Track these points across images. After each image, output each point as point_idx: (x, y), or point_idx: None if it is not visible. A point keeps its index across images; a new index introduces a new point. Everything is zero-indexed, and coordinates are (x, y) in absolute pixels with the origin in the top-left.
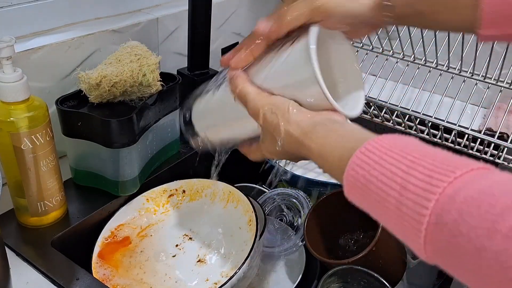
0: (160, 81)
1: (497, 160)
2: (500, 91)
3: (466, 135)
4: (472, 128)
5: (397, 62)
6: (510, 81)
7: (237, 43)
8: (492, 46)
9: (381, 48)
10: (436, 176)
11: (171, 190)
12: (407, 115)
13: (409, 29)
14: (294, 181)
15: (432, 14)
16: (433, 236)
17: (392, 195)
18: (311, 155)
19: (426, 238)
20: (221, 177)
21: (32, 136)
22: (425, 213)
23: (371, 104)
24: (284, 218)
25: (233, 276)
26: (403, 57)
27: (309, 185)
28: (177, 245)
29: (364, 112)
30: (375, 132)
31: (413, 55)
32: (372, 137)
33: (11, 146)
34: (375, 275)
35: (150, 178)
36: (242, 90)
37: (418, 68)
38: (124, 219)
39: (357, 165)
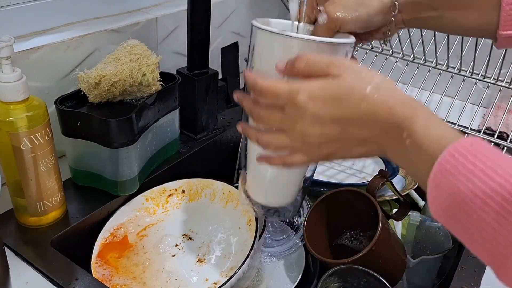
0: (159, 80)
1: None
2: (500, 90)
3: (466, 135)
4: (472, 127)
5: (396, 62)
6: (509, 81)
7: (236, 43)
8: (492, 45)
9: (381, 48)
10: None
11: (170, 190)
12: None
13: (408, 29)
14: None
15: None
16: None
17: (492, 214)
18: (411, 139)
19: None
20: (221, 177)
21: (31, 136)
22: None
23: None
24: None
25: (232, 276)
26: (403, 56)
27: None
28: (176, 245)
29: None
30: None
31: (412, 55)
32: None
33: (10, 146)
34: (375, 274)
35: (150, 178)
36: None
37: (418, 67)
38: (124, 219)
39: (459, 153)
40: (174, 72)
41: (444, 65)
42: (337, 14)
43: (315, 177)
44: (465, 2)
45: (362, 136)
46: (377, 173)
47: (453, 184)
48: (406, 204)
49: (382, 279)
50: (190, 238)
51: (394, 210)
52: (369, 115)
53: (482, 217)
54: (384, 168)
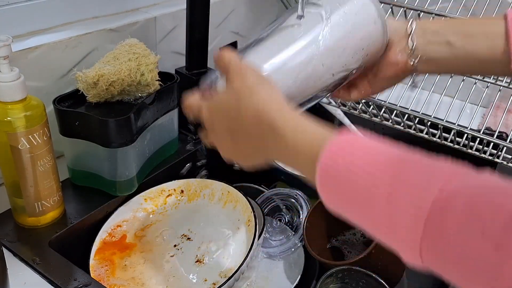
0: (158, 80)
1: (496, 160)
2: (499, 90)
3: (465, 135)
4: (471, 127)
5: None
6: (509, 80)
7: (235, 42)
8: None
9: None
10: (435, 170)
11: (169, 190)
12: (406, 115)
13: None
14: (293, 181)
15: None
16: (433, 231)
17: (382, 188)
18: (280, 139)
19: (425, 234)
20: (220, 177)
21: (29, 136)
22: (425, 206)
23: (370, 103)
24: (283, 218)
25: (231, 276)
26: None
27: (308, 185)
28: (175, 245)
29: (363, 111)
30: (376, 133)
31: None
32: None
33: (8, 146)
34: (374, 275)
35: (148, 178)
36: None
37: None
38: (122, 219)
39: (336, 151)
40: (173, 71)
41: None
42: None
43: None
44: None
45: (251, 144)
46: None
47: (338, 181)
48: None
49: (381, 280)
50: (188, 239)
51: None
52: (246, 127)
53: (371, 196)
54: None
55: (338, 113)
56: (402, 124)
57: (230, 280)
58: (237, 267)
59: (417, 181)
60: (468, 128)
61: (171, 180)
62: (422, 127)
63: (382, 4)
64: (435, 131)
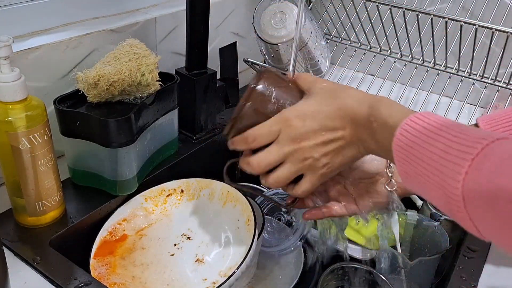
0: (158, 80)
1: None
2: (497, 90)
3: None
4: None
5: (394, 62)
6: (507, 81)
7: (235, 43)
8: (490, 45)
9: (379, 48)
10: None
11: (169, 190)
12: None
13: (406, 29)
14: None
15: None
16: (471, 180)
17: (439, 147)
18: (377, 121)
19: (465, 181)
20: (219, 177)
21: (30, 136)
22: (468, 157)
23: None
24: (282, 218)
25: (231, 275)
26: (401, 56)
27: None
28: (175, 245)
29: None
30: None
31: (410, 55)
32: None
33: (9, 146)
34: (374, 272)
35: (149, 178)
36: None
37: (416, 67)
38: (122, 219)
39: (414, 122)
40: (173, 72)
41: (442, 65)
42: None
43: None
44: None
45: (347, 138)
46: None
47: (411, 143)
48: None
49: (382, 276)
50: (188, 238)
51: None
52: (343, 116)
53: (429, 157)
54: None
55: None
56: None
57: (230, 279)
58: (237, 266)
59: (464, 146)
60: None
61: (171, 180)
62: None
63: (381, 5)
64: None
